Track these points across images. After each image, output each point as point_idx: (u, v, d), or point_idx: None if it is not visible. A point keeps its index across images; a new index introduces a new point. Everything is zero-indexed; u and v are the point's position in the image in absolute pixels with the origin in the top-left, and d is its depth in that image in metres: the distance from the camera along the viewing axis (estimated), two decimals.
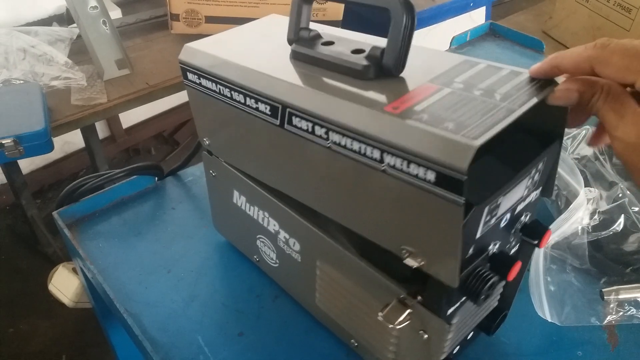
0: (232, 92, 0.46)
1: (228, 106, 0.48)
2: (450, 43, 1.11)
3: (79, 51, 1.40)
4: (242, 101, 0.45)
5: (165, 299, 0.59)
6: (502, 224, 0.39)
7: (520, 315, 0.55)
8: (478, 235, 0.36)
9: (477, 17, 1.76)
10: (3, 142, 1.06)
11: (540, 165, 0.39)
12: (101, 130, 1.90)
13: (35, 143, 1.10)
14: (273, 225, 0.53)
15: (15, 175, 1.46)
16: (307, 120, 0.40)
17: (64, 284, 0.77)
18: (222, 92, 0.47)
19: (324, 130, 0.39)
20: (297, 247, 0.51)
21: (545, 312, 0.54)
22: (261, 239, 0.57)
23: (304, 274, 0.52)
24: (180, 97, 2.17)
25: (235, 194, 0.57)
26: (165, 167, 0.76)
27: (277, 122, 0.43)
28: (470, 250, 0.36)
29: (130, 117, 2.06)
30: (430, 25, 1.60)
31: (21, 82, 1.26)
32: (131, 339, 0.60)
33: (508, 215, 0.39)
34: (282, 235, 0.53)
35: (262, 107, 0.43)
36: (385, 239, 0.40)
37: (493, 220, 0.37)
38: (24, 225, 1.73)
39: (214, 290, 0.61)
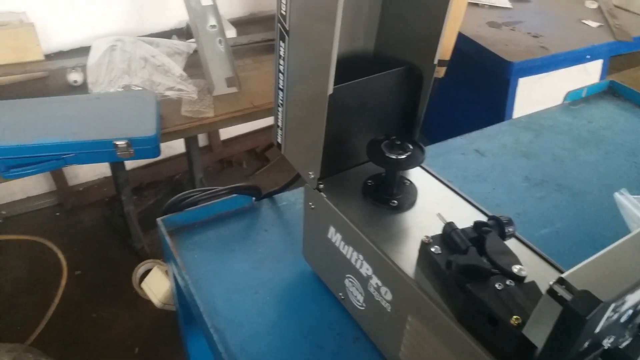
0: None
1: None
2: (565, 98, 1.06)
3: (193, 65, 1.49)
4: None
5: (249, 319, 0.61)
6: (622, 320, 0.37)
7: None
8: (597, 330, 0.34)
9: (592, 70, 1.67)
10: (117, 143, 1.15)
11: None
12: (201, 138, 2.00)
13: (144, 147, 1.19)
14: (366, 269, 0.53)
15: (120, 172, 1.57)
16: None
17: (156, 285, 0.81)
18: None
19: None
20: (388, 296, 0.51)
21: None
22: (350, 279, 0.57)
23: (392, 324, 0.51)
24: None
25: (332, 229, 0.57)
26: (254, 181, 0.79)
27: None
28: (586, 344, 0.34)
29: (228, 130, 2.15)
30: (541, 74, 1.54)
31: (139, 89, 1.36)
32: (212, 352, 0.62)
33: (630, 312, 0.36)
34: (374, 281, 0.52)
35: None
36: None
37: (615, 317, 0.35)
38: (119, 219, 1.85)
39: (297, 320, 0.61)
